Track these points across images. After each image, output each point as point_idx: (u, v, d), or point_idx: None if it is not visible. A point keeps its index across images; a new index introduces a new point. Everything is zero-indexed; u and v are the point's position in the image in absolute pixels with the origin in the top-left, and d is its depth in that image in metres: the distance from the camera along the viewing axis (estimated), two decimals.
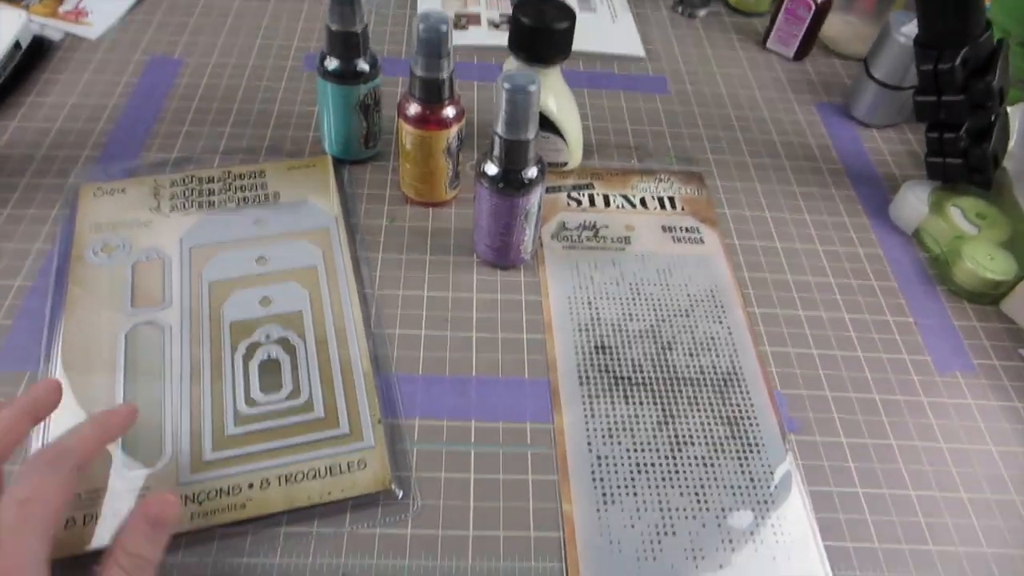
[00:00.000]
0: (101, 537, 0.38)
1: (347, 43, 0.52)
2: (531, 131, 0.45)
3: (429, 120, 0.51)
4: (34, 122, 0.61)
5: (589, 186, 0.59)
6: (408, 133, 0.52)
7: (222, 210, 0.54)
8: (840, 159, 0.66)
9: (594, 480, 0.42)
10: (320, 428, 0.43)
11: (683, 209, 0.59)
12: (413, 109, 0.51)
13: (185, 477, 0.40)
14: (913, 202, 0.59)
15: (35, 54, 0.67)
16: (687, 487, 0.42)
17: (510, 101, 0.44)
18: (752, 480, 0.43)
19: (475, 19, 0.75)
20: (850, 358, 0.50)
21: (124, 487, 0.40)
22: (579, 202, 0.58)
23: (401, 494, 0.41)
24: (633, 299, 0.52)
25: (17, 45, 0.64)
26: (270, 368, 0.45)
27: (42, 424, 0.42)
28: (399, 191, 0.57)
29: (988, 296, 0.54)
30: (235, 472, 0.41)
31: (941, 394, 0.49)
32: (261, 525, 0.39)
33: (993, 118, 0.56)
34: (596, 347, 0.49)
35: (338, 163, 0.59)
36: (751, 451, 0.44)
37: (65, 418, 0.42)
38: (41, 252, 0.51)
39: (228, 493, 0.40)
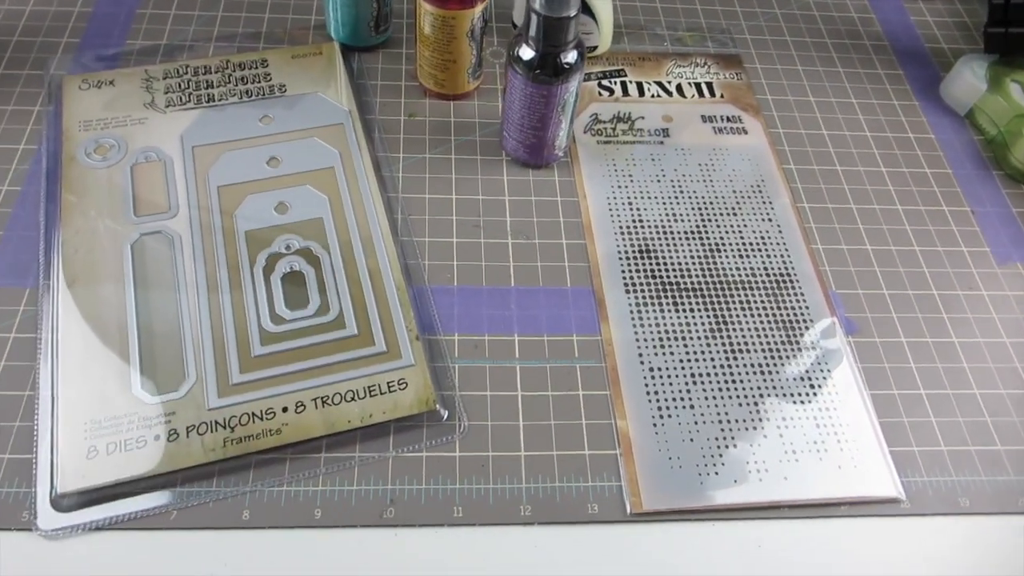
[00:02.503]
0: (129, 467, 0.34)
1: None
2: (573, 6, 0.39)
3: None
4: (2, 4, 0.53)
5: (620, 73, 0.53)
6: (428, 13, 0.45)
7: (224, 104, 0.47)
8: (885, 34, 0.59)
9: (648, 393, 0.39)
10: (354, 346, 0.38)
11: (723, 96, 0.52)
12: None
13: (213, 401, 0.36)
14: (969, 78, 0.52)
15: None
16: (745, 397, 0.39)
17: None
18: (812, 387, 0.40)
19: None
20: (905, 253, 0.46)
21: (147, 413, 0.36)
22: (611, 91, 0.52)
23: (446, 414, 0.37)
24: (676, 197, 0.46)
25: None
26: (294, 281, 0.40)
27: (51, 341, 0.37)
28: (415, 82, 0.50)
29: None
30: (267, 395, 0.37)
31: (1002, 287, 0.45)
32: (300, 450, 0.36)
33: None
34: (640, 251, 0.44)
35: (346, 50, 0.51)
36: (809, 356, 0.41)
37: (74, 332, 0.37)
38: (27, 153, 0.45)
39: (261, 418, 0.36)
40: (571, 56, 0.41)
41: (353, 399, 0.37)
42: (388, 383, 0.37)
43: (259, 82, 0.48)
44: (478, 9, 0.45)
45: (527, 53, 0.41)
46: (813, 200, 0.48)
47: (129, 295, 0.39)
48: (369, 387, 0.37)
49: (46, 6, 0.53)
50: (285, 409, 0.36)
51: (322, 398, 0.37)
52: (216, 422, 0.36)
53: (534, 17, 0.39)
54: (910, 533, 0.36)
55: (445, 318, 0.40)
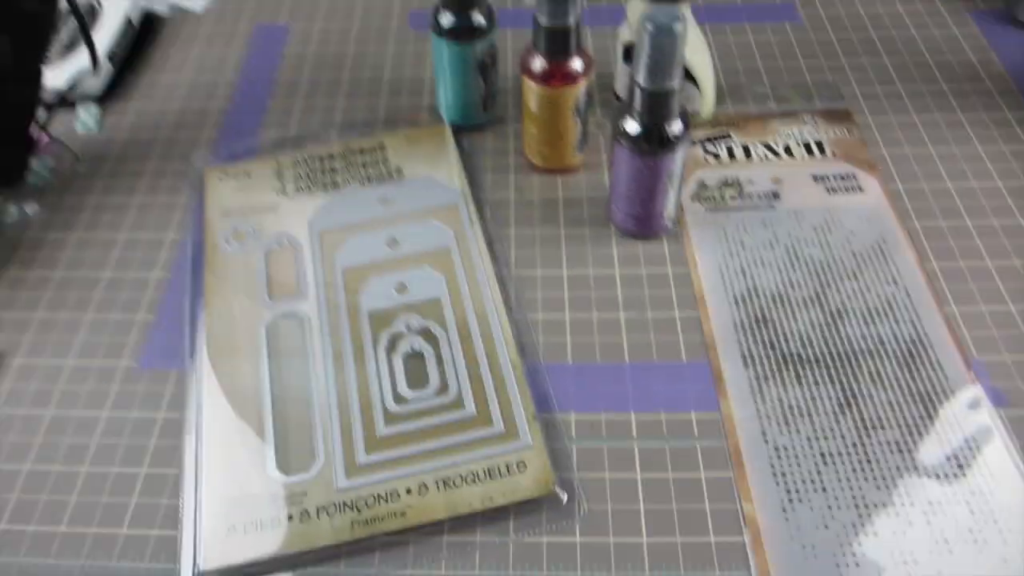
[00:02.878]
0: (264, 546, 0.34)
1: None
2: (676, 78, 0.37)
3: (556, 75, 0.43)
4: (153, 104, 0.57)
5: (726, 136, 0.50)
6: (533, 92, 0.44)
7: (347, 189, 0.48)
8: (1009, 74, 0.54)
9: (775, 475, 0.36)
10: (473, 427, 0.37)
11: (834, 154, 0.49)
12: (538, 64, 0.43)
13: (342, 483, 0.36)
14: None
15: (146, 31, 0.62)
16: (883, 478, 0.35)
17: (655, 43, 0.35)
18: (960, 466, 0.35)
19: None
20: None
21: (281, 492, 0.36)
22: (717, 156, 0.49)
23: (566, 498, 0.35)
24: (791, 263, 0.43)
25: (129, 22, 0.60)
26: (415, 361, 0.40)
27: (195, 421, 0.38)
28: (523, 158, 0.50)
29: None
30: (392, 476, 0.36)
31: None
32: (422, 534, 0.35)
33: None
34: (757, 320, 0.41)
35: (456, 129, 0.52)
36: (953, 432, 0.36)
37: (216, 412, 0.38)
38: (174, 242, 0.47)
39: (387, 499, 0.35)
40: (676, 127, 0.39)
41: (474, 481, 0.36)
42: (507, 465, 0.36)
43: (378, 166, 0.49)
44: (582, 85, 0.44)
45: (632, 127, 0.39)
46: (943, 258, 0.43)
47: (264, 376, 0.40)
48: (489, 469, 0.36)
49: (189, 103, 0.56)
50: (409, 491, 0.36)
51: (444, 480, 0.36)
52: (344, 503, 0.35)
53: (638, 91, 0.38)
54: None
55: (560, 396, 0.39)
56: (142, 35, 0.61)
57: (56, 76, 0.54)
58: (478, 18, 0.46)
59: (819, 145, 0.50)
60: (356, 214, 0.46)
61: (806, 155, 0.49)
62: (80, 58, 0.55)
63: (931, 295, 0.42)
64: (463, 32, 0.46)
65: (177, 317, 0.43)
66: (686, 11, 0.46)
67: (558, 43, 0.42)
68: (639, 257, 0.44)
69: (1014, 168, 0.48)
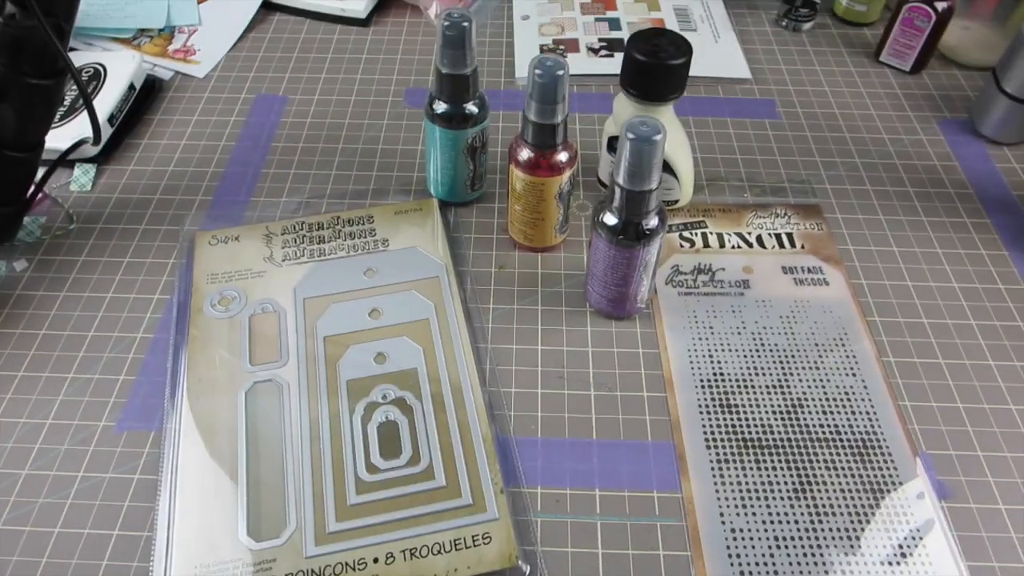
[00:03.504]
0: None
1: (457, 86, 0.49)
2: (654, 181, 0.42)
3: (541, 166, 0.48)
4: (149, 165, 0.61)
5: (701, 224, 0.55)
6: (519, 179, 0.49)
7: (333, 258, 0.52)
8: (969, 181, 0.59)
9: (730, 556, 0.38)
10: (442, 498, 0.40)
11: (803, 247, 0.54)
12: (525, 155, 0.48)
13: (311, 550, 0.38)
14: None
15: (147, 94, 0.66)
16: (831, 564, 0.38)
17: (634, 152, 0.40)
18: (903, 555, 0.38)
19: (573, 45, 0.71)
20: (1000, 411, 0.45)
21: (249, 559, 0.38)
22: (692, 242, 0.54)
23: (528, 570, 0.38)
24: (757, 350, 0.47)
25: (132, 87, 0.64)
26: (389, 431, 0.43)
27: (170, 484, 0.41)
28: (506, 235, 0.54)
29: None
30: (360, 545, 0.39)
31: None
32: None
33: None
34: (721, 405, 0.44)
35: (443, 205, 0.56)
36: (899, 522, 0.40)
37: (191, 476, 0.40)
38: (160, 303, 0.50)
39: (354, 568, 0.38)
40: (652, 222, 0.43)
41: (440, 552, 0.38)
42: (473, 537, 0.39)
43: (365, 237, 0.53)
44: (566, 175, 0.48)
45: (611, 219, 0.43)
46: (899, 354, 0.48)
47: (241, 441, 0.43)
48: (455, 540, 0.39)
49: (185, 166, 0.60)
50: (376, 560, 0.38)
51: (411, 550, 0.38)
52: (312, 571, 0.38)
53: (617, 190, 0.42)
54: None
55: (528, 470, 0.42)
56: (143, 98, 0.66)
57: (56, 137, 0.58)
58: (471, 107, 0.51)
59: (789, 237, 0.54)
60: (340, 283, 0.50)
61: (777, 246, 0.53)
62: (81, 121, 0.59)
63: (886, 388, 0.45)
64: (455, 119, 0.51)
65: (158, 379, 0.46)
66: (668, 109, 0.51)
67: (545, 137, 0.47)
68: (612, 336, 0.48)
69: (968, 271, 0.53)
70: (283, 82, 0.69)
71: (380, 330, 0.47)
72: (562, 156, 0.48)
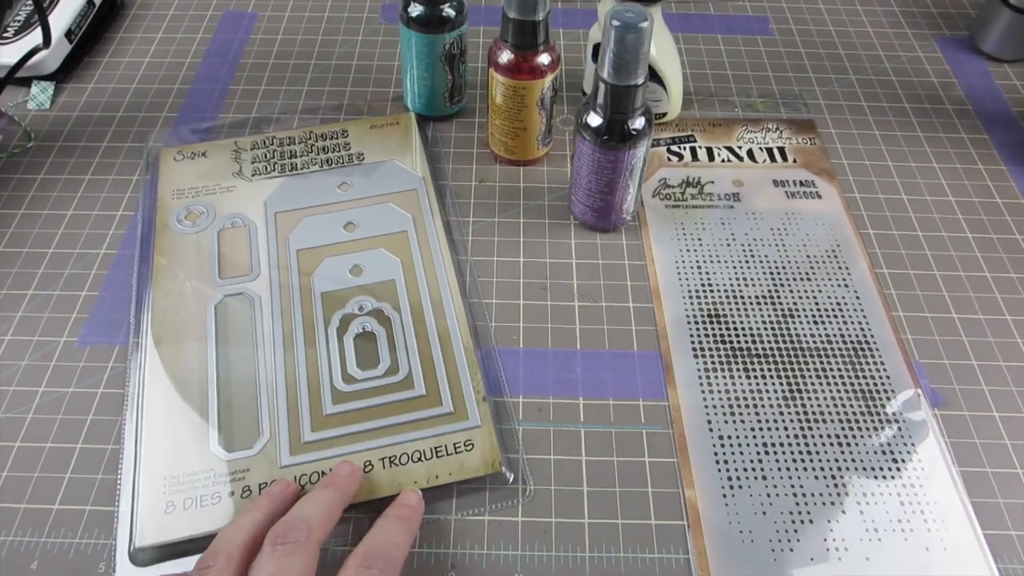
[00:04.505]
0: (203, 523, 0.36)
1: None
2: (640, 75, 0.40)
3: (522, 68, 0.46)
4: (110, 83, 0.58)
5: (690, 139, 0.54)
6: (499, 83, 0.47)
7: (305, 173, 0.50)
8: (968, 98, 0.58)
9: (717, 463, 0.38)
10: (422, 407, 0.39)
11: (795, 161, 0.53)
12: (505, 56, 0.46)
13: (285, 459, 0.38)
14: None
15: (108, 12, 0.64)
16: (822, 470, 0.38)
17: (619, 41, 0.39)
18: (895, 460, 0.38)
19: None
20: (996, 322, 0.44)
21: (222, 470, 0.37)
22: (680, 156, 0.53)
23: (511, 477, 0.38)
24: (747, 262, 0.46)
25: (91, 2, 0.62)
26: (366, 341, 0.42)
27: (137, 397, 0.40)
28: (487, 149, 0.53)
29: None
30: (337, 454, 0.38)
31: None
32: (364, 511, 0.37)
33: None
34: (709, 315, 0.44)
35: (422, 120, 0.54)
36: (891, 428, 0.39)
37: (158, 389, 0.40)
38: (124, 219, 0.49)
39: None
40: (638, 123, 0.42)
41: (420, 459, 0.38)
42: (455, 444, 0.38)
43: (339, 151, 0.52)
44: (548, 79, 0.47)
45: (595, 120, 0.42)
46: (893, 266, 0.47)
47: (210, 354, 0.41)
48: (436, 448, 0.38)
49: (149, 83, 0.58)
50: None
51: (390, 458, 0.38)
52: (287, 480, 0.37)
53: (601, 85, 0.41)
54: None
55: (511, 380, 0.41)
56: (106, 16, 0.63)
57: (9, 53, 0.56)
58: (448, 10, 0.49)
59: (781, 152, 0.53)
60: (313, 197, 0.49)
61: (768, 160, 0.52)
62: (36, 36, 0.57)
63: (880, 299, 0.45)
64: (431, 22, 0.49)
65: (122, 294, 0.45)
66: (656, 14, 0.50)
67: (525, 36, 0.45)
68: (597, 248, 0.47)
69: (966, 185, 0.52)
70: None
71: (356, 242, 0.46)
72: (544, 58, 0.46)
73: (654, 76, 0.51)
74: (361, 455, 0.38)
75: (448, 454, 0.38)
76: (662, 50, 0.51)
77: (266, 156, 0.51)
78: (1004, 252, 0.48)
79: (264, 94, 0.57)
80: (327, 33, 0.63)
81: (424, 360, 0.41)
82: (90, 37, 0.62)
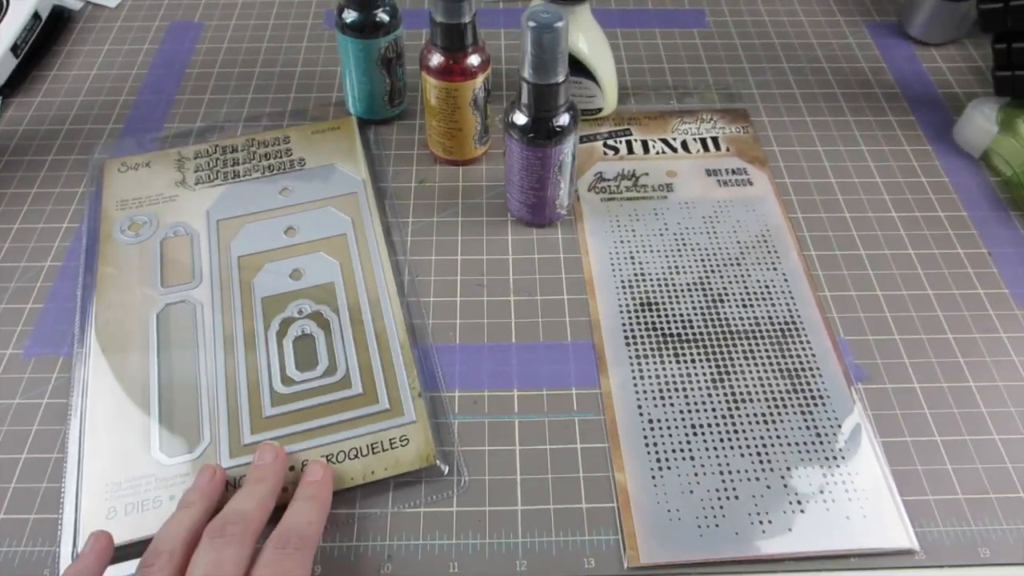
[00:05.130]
0: (145, 527, 0.36)
1: None
2: (560, 73, 0.41)
3: (453, 70, 0.46)
4: (57, 96, 0.58)
5: (626, 132, 0.54)
6: (432, 86, 0.47)
7: (247, 180, 0.50)
8: (896, 82, 0.59)
9: (647, 445, 0.39)
10: (359, 405, 0.40)
11: (728, 150, 0.53)
12: (436, 59, 0.46)
13: (225, 462, 0.38)
14: (980, 121, 0.52)
15: (55, 26, 0.63)
16: (748, 447, 0.38)
17: (536, 41, 0.39)
18: (819, 435, 0.39)
19: None
20: (919, 297, 0.45)
21: (164, 474, 0.37)
22: (616, 150, 0.53)
23: (446, 470, 0.38)
24: (679, 250, 0.47)
25: (36, 16, 0.61)
26: (305, 344, 0.42)
27: (80, 406, 0.40)
28: (426, 150, 0.53)
29: None
30: None
31: (1022, 328, 0.44)
32: None
33: None
34: (642, 304, 0.44)
35: (363, 124, 0.54)
36: (815, 404, 0.40)
37: (101, 397, 0.40)
38: (69, 231, 0.49)
39: None
40: (563, 119, 0.42)
41: (357, 457, 0.38)
42: (390, 440, 0.38)
43: (281, 157, 0.52)
44: (479, 80, 0.47)
45: (520, 119, 0.43)
46: (821, 248, 0.48)
47: (152, 361, 0.42)
48: (372, 444, 0.38)
49: (95, 96, 0.58)
50: (292, 468, 0.38)
51: (327, 456, 0.38)
52: (227, 483, 0.37)
53: (524, 85, 0.41)
54: None
55: (447, 375, 0.41)
56: (52, 29, 0.63)
57: None
58: (381, 15, 0.49)
59: (715, 141, 0.54)
60: (255, 203, 0.49)
61: (702, 150, 0.53)
62: None
63: (807, 280, 0.45)
64: (366, 28, 0.49)
65: (67, 306, 0.45)
66: (585, 11, 0.50)
67: (454, 39, 0.45)
68: (533, 244, 0.47)
69: (892, 167, 0.53)
70: (198, 9, 0.66)
71: (296, 247, 0.46)
72: (474, 59, 0.46)
73: (587, 72, 0.52)
74: (300, 455, 0.38)
75: (384, 450, 0.38)
76: (593, 46, 0.51)
77: (209, 165, 0.51)
78: (927, 229, 0.49)
79: (209, 103, 0.57)
80: (272, 41, 0.63)
81: (361, 360, 0.41)
82: (37, 51, 0.61)
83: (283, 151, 0.52)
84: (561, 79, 0.41)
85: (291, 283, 0.45)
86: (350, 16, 0.49)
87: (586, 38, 0.51)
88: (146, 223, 0.48)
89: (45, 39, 0.62)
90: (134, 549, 0.35)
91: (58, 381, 0.42)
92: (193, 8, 0.66)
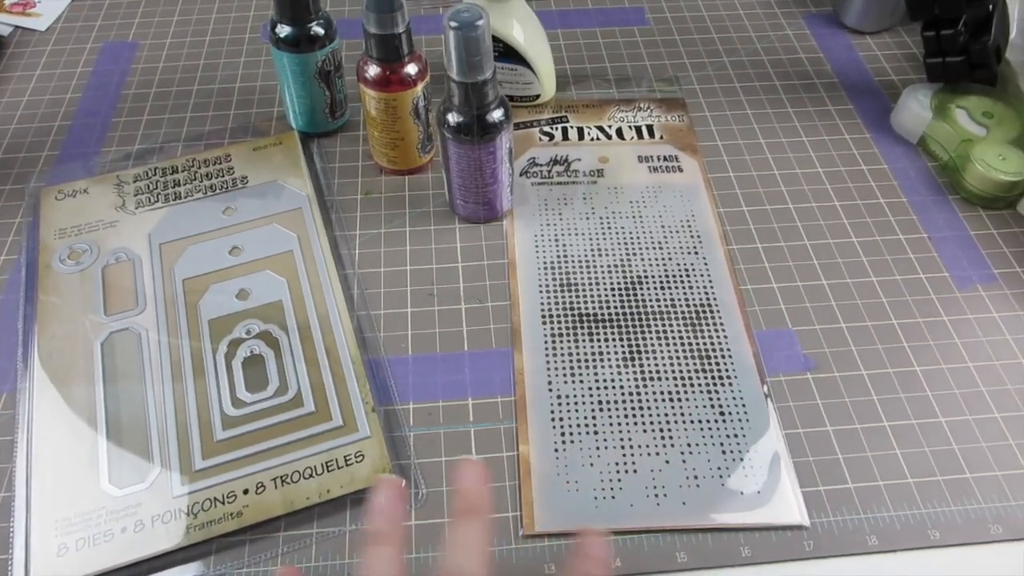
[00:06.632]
0: (98, 561, 0.35)
1: (297, 5, 0.48)
2: (487, 70, 0.41)
3: (391, 81, 0.46)
4: None
5: (563, 119, 0.55)
6: (371, 98, 0.47)
7: (189, 201, 0.50)
8: (834, 71, 0.61)
9: (552, 420, 0.40)
10: (312, 423, 0.40)
11: (662, 137, 0.54)
12: (372, 71, 0.46)
13: (177, 490, 0.38)
14: (915, 108, 0.54)
15: None
16: (651, 423, 0.40)
17: (459, 41, 0.39)
18: (722, 413, 0.40)
19: None
20: (862, 284, 0.46)
21: (114, 506, 0.37)
22: (551, 136, 0.54)
23: (403, 482, 0.38)
24: (603, 233, 0.48)
25: None
26: (254, 364, 0.42)
27: (26, 442, 0.39)
28: (371, 161, 0.53)
29: (1003, 200, 0.50)
30: (228, 479, 0.38)
31: (964, 311, 0.45)
32: (260, 531, 0.37)
33: (991, 7, 0.51)
34: (561, 285, 0.45)
35: (306, 137, 0.54)
36: (722, 384, 0.41)
37: (47, 432, 0.39)
38: (7, 263, 0.48)
39: (223, 502, 0.37)
40: (496, 115, 0.43)
41: (312, 475, 0.38)
42: (345, 457, 0.38)
43: (223, 176, 0.51)
44: (419, 88, 0.47)
45: (453, 118, 0.43)
46: (741, 240, 0.49)
47: (98, 392, 0.41)
48: (327, 462, 0.38)
49: (28, 123, 0.57)
50: (246, 491, 0.37)
51: (281, 477, 0.38)
52: (179, 510, 0.37)
53: (453, 85, 0.42)
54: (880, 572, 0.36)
55: (401, 388, 0.42)
56: None
57: None
58: (315, 28, 0.49)
59: (649, 129, 0.55)
60: (198, 224, 0.48)
61: (636, 138, 0.54)
62: None
63: (727, 265, 0.47)
64: (301, 42, 0.49)
65: (8, 340, 0.44)
66: (517, 2, 0.51)
67: (389, 50, 0.46)
68: (482, 249, 0.48)
69: (832, 155, 0.54)
70: (132, 28, 0.65)
71: (241, 267, 0.46)
72: (411, 68, 0.47)
73: (522, 60, 0.52)
74: (253, 477, 0.38)
75: (339, 467, 0.38)
76: (528, 34, 0.52)
77: (149, 187, 0.51)
78: (869, 216, 0.50)
79: (147, 124, 0.57)
80: (209, 57, 0.62)
81: (313, 377, 0.41)
82: None
83: (225, 169, 0.52)
84: (489, 75, 0.41)
85: (238, 303, 0.44)
86: (284, 31, 0.49)
87: (520, 26, 0.52)
88: (86, 251, 0.47)
89: None
90: None
91: (2, 418, 0.41)
92: (126, 28, 0.65)
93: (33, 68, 0.62)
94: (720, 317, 0.44)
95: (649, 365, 0.42)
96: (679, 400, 0.40)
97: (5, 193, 0.52)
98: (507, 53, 0.52)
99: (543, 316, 0.44)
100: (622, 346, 0.42)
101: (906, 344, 0.44)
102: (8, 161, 0.54)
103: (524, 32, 0.52)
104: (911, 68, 0.61)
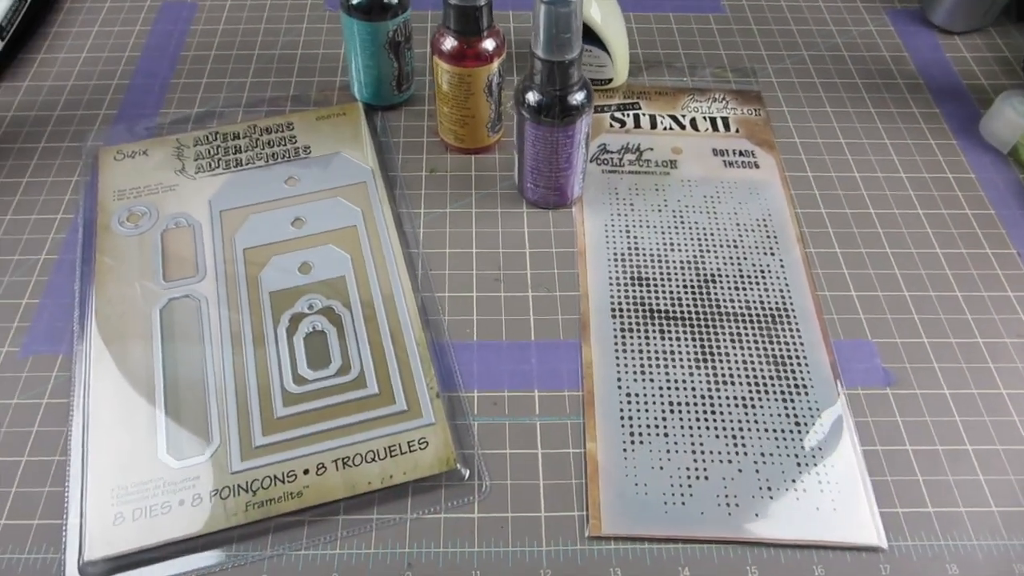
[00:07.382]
0: (154, 533, 0.35)
1: None
2: (574, 50, 0.40)
3: (467, 55, 0.45)
4: (46, 81, 0.57)
5: (635, 106, 0.54)
6: (444, 72, 0.46)
7: (251, 168, 0.49)
8: (919, 72, 0.59)
9: (622, 418, 0.39)
10: (375, 406, 0.39)
11: (738, 131, 0.53)
12: (449, 43, 0.45)
13: (236, 465, 0.37)
14: (1010, 115, 0.52)
15: (42, 7, 0.62)
16: (724, 429, 0.39)
17: (549, 16, 0.38)
18: (797, 424, 0.39)
19: None
20: (946, 298, 0.45)
21: (171, 478, 0.37)
22: (623, 123, 0.53)
23: (467, 474, 0.37)
24: (676, 227, 0.47)
25: None
26: (316, 341, 0.41)
27: (82, 407, 0.39)
28: (437, 137, 0.52)
29: None
30: (289, 457, 0.37)
31: None
32: (318, 513, 0.36)
33: None
34: (632, 278, 0.44)
35: (370, 110, 0.54)
36: (798, 393, 0.40)
37: (104, 398, 0.39)
38: (64, 223, 0.48)
39: (283, 480, 0.37)
40: (578, 97, 0.42)
41: (374, 460, 0.37)
42: (409, 443, 0.38)
43: (285, 144, 0.51)
44: (494, 65, 0.46)
45: (533, 97, 0.42)
46: (841, 245, 0.47)
47: (157, 360, 0.41)
48: (390, 447, 0.38)
49: (86, 80, 0.57)
50: (306, 471, 0.37)
51: (343, 459, 0.37)
52: (239, 486, 0.37)
53: (537, 63, 0.41)
54: None
55: (465, 375, 0.41)
56: (39, 10, 0.61)
57: None
58: None
59: (725, 121, 0.53)
60: (260, 193, 0.48)
61: (711, 129, 0.53)
62: None
63: (804, 268, 0.45)
64: (373, 10, 0.48)
65: (65, 301, 0.44)
66: None
67: (468, 22, 0.45)
68: (550, 236, 0.47)
69: (916, 160, 0.52)
70: None
71: (304, 239, 0.46)
72: (488, 44, 0.45)
73: (598, 41, 0.51)
74: (314, 457, 0.37)
75: (402, 453, 0.37)
76: (606, 13, 0.51)
77: (209, 152, 0.50)
78: (954, 228, 0.49)
79: (206, 87, 0.56)
80: (270, 22, 0.61)
81: (376, 358, 0.41)
82: (23, 33, 0.60)
83: (287, 138, 0.51)
84: (575, 55, 0.40)
85: (300, 277, 0.44)
86: None
87: (598, 5, 0.50)
88: (145, 214, 0.47)
89: (31, 21, 0.61)
90: (143, 556, 0.35)
91: (58, 380, 0.41)
92: None
93: (90, 25, 0.61)
94: (797, 323, 0.43)
95: (722, 368, 0.41)
96: (753, 407, 0.39)
97: (62, 151, 0.52)
98: (583, 32, 0.51)
99: (612, 309, 0.43)
100: (694, 346, 0.41)
101: (992, 365, 0.42)
102: (66, 118, 0.54)
103: (602, 12, 0.50)
104: (1003, 72, 0.59)
